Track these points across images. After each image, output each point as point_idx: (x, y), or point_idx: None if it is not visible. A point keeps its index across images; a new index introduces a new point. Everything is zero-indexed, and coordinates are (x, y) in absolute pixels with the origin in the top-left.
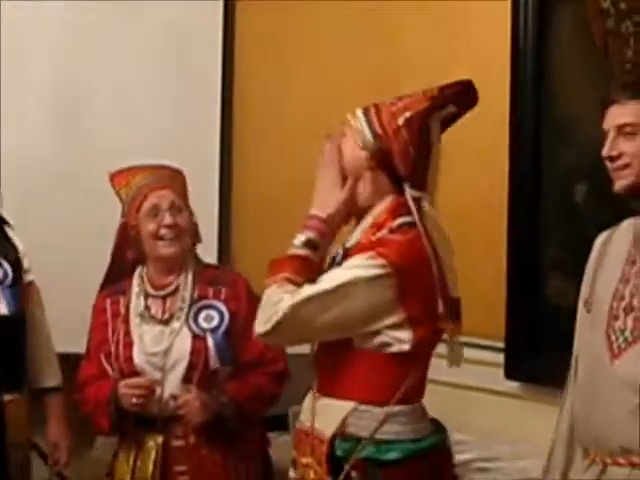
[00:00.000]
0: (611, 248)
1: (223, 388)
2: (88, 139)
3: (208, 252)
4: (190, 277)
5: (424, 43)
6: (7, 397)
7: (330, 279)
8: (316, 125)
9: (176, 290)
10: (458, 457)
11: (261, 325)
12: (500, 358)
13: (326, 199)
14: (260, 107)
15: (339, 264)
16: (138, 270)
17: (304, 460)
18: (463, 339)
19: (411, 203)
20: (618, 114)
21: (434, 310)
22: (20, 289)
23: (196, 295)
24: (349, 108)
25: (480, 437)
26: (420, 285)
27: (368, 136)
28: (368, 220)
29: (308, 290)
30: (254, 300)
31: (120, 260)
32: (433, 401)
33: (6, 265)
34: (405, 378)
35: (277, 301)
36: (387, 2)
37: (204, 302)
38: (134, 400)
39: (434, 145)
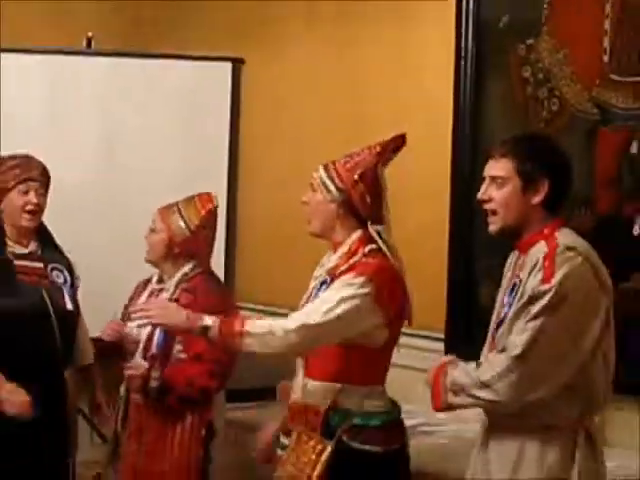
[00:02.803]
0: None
1: (162, 369)
2: (123, 174)
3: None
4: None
5: (384, 99)
6: (66, 373)
7: (328, 306)
8: (302, 165)
9: None
10: (407, 422)
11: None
12: (441, 346)
13: None
14: (258, 152)
15: (328, 285)
16: None
17: (299, 428)
18: (414, 332)
19: (375, 235)
20: (492, 167)
21: (402, 314)
22: (75, 291)
23: None
24: (326, 151)
25: (424, 407)
26: (391, 295)
27: (334, 191)
28: (344, 249)
29: (313, 316)
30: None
31: None
32: (390, 379)
33: (65, 272)
34: (376, 365)
35: (282, 327)
36: (355, 69)
37: None
38: None
39: (384, 189)
